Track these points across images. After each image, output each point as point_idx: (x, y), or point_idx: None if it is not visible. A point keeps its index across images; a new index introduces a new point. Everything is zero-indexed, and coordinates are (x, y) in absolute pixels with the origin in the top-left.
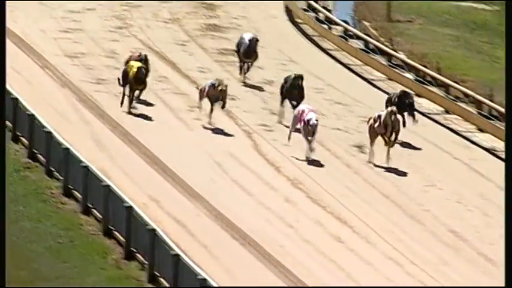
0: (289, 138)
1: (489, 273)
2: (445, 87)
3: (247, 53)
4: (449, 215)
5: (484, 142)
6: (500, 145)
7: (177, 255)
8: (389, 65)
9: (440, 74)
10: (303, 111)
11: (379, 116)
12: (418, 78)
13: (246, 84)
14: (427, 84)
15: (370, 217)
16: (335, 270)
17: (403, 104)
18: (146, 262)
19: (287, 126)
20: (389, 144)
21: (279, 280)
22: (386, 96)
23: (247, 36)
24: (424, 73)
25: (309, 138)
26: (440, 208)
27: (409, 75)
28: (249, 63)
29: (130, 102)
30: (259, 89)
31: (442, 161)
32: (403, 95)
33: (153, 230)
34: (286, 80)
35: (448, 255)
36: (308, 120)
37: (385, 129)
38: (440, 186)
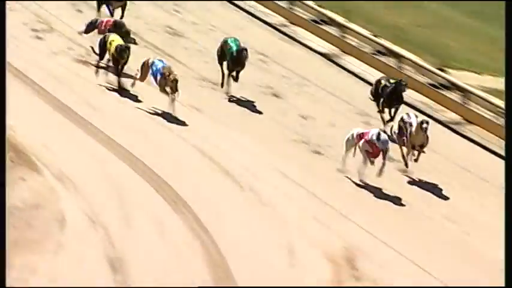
0: (343, 162)
1: None
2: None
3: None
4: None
5: None
6: None
7: None
8: None
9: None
10: (362, 133)
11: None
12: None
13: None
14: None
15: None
16: None
17: (394, 95)
18: None
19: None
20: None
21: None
22: None
23: None
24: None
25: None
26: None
27: None
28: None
29: (119, 77)
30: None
31: None
32: (399, 84)
33: None
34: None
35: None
36: (377, 137)
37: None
38: None
